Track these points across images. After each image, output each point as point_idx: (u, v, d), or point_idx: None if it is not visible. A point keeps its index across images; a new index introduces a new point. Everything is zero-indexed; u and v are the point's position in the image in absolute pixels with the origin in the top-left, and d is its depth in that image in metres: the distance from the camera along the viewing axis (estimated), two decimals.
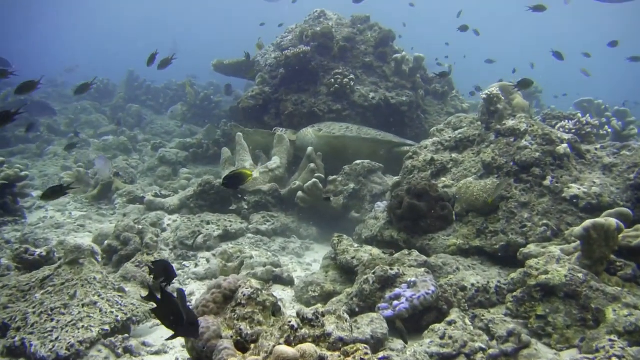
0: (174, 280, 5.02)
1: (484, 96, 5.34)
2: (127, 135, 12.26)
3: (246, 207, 6.71)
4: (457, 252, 4.81)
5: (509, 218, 4.72)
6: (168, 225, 6.36)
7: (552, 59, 9.35)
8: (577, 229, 3.71)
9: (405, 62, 8.34)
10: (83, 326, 3.48)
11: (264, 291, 3.02)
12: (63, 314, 3.56)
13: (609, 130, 5.43)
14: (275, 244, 6.14)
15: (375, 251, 4.66)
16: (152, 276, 3.80)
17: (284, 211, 6.76)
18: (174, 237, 5.95)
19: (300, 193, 6.52)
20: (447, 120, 6.52)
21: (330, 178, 6.66)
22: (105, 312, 3.74)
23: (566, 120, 5.70)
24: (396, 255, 4.38)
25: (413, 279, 3.85)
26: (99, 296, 3.88)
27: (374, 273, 3.95)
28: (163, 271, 3.33)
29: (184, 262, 5.52)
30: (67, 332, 3.41)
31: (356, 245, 4.79)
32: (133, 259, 4.82)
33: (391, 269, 3.96)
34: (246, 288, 2.98)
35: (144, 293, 4.44)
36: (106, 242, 5.36)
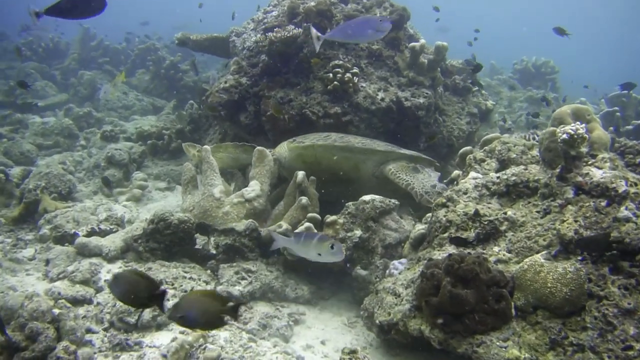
0: None
1: (565, 136, 3.63)
2: (73, 114, 10.17)
3: (214, 251, 5.00)
4: None
5: (604, 330, 3.11)
6: (106, 281, 4.62)
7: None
8: None
9: (423, 52, 6.43)
10: None
11: None
12: None
13: None
14: (254, 316, 4.45)
15: None
16: None
17: (264, 258, 5.03)
18: (112, 305, 4.24)
19: None
20: (488, 145, 4.80)
21: (329, 219, 4.87)
22: None
23: None
24: None
25: None
26: None
27: None
28: None
29: (122, 356, 3.83)
30: None
31: None
32: None
33: None
34: None
35: None
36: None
